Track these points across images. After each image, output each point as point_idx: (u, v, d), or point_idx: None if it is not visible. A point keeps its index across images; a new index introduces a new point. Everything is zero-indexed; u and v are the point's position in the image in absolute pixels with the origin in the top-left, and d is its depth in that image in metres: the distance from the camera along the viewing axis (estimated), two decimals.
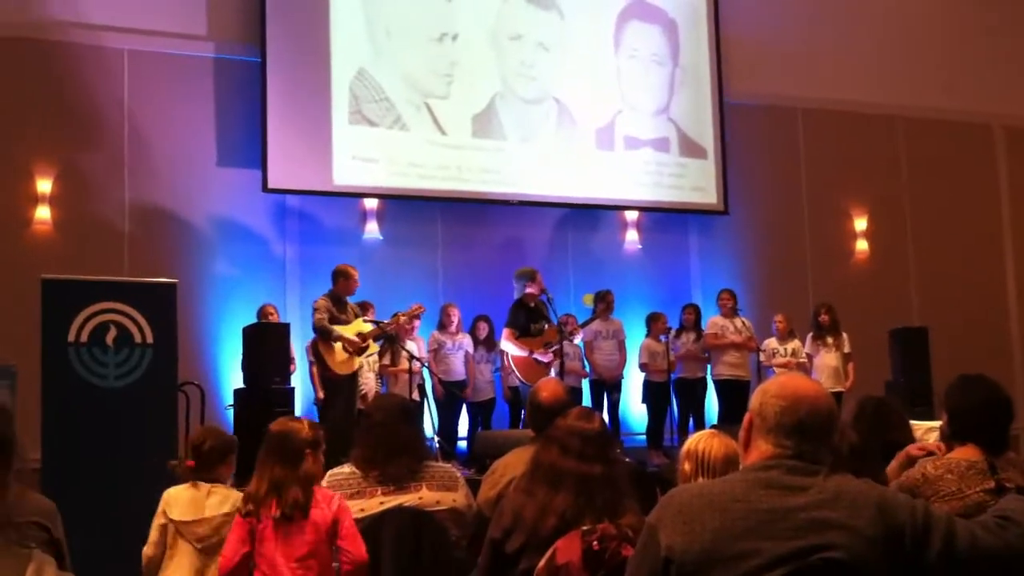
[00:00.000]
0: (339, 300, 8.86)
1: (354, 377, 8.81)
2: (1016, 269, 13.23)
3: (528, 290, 9.57)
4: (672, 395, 10.49)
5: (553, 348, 9.44)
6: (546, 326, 9.55)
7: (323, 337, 8.63)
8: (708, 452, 3.48)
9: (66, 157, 9.70)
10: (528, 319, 9.59)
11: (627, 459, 9.90)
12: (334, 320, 8.68)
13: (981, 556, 2.37)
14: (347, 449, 8.43)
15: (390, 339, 9.53)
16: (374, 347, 9.03)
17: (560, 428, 3.54)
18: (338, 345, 8.62)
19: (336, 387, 8.70)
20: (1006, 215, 13.32)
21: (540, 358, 9.47)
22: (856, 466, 3.27)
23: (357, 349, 8.70)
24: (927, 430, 7.37)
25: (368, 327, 8.88)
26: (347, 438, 8.53)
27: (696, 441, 3.55)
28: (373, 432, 4.15)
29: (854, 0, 12.76)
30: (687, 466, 3.51)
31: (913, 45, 12.86)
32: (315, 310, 8.72)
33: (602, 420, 3.66)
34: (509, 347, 9.53)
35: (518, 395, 9.67)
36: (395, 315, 9.20)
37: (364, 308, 9.35)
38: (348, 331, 8.71)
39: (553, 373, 9.20)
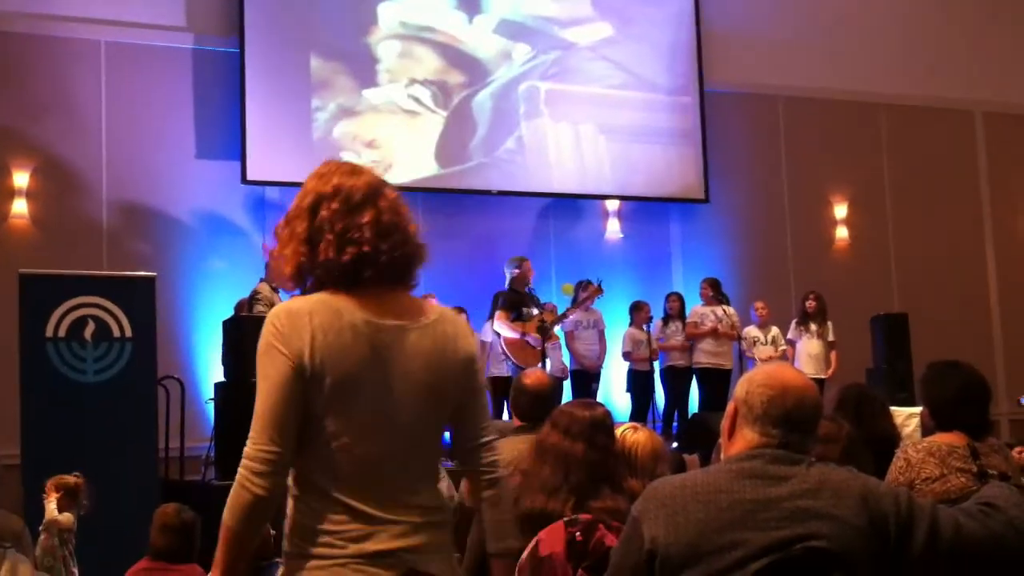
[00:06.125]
0: (276, 290, 8.83)
1: None
2: (996, 255, 13.27)
3: (514, 274, 9.66)
4: (660, 383, 10.50)
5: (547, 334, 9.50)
6: (536, 312, 9.59)
7: None
8: (635, 448, 3.42)
9: (43, 151, 9.60)
10: (520, 304, 9.63)
11: None
12: None
13: (965, 544, 2.36)
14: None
15: None
16: None
17: (558, 409, 3.50)
18: None
19: None
20: (986, 201, 13.34)
21: (531, 341, 9.50)
22: (847, 455, 3.27)
23: None
24: (908, 416, 7.42)
25: None
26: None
27: (620, 438, 3.44)
28: None
29: None
30: None
31: (895, 32, 12.86)
32: (258, 297, 8.57)
33: (606, 412, 3.47)
34: (502, 328, 9.55)
35: (505, 383, 9.63)
36: None
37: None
38: None
39: (540, 365, 9.26)
